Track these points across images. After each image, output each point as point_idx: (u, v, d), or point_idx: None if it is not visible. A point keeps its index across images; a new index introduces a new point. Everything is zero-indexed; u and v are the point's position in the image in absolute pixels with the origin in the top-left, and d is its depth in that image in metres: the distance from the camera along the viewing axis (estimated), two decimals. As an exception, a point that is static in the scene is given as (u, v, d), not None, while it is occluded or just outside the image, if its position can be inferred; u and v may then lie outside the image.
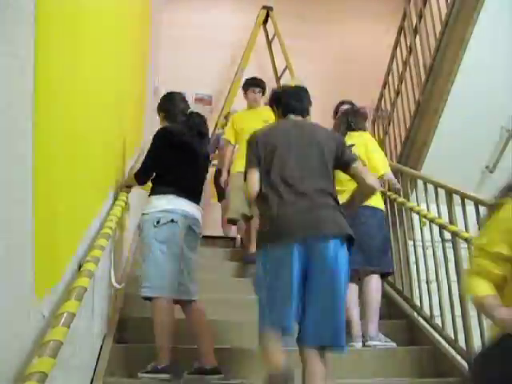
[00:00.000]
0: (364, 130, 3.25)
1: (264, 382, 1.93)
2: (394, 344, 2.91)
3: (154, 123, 5.57)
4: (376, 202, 2.93)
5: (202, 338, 2.44)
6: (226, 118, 5.51)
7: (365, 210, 2.83)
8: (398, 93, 4.86)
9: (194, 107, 3.80)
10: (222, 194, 4.80)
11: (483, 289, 1.47)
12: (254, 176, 2.13)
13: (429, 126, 4.16)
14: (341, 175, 2.36)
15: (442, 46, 3.99)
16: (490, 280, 1.46)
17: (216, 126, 5.57)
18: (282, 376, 1.91)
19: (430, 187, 2.97)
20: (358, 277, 2.94)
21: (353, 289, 2.89)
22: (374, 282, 2.94)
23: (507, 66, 3.82)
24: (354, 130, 3.16)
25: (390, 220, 3.62)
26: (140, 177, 2.66)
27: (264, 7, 6.17)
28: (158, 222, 2.42)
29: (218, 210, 5.15)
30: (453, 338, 2.74)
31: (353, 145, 2.89)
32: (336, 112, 3.70)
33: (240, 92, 5.78)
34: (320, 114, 5.39)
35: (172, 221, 2.43)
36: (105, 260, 2.17)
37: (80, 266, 1.64)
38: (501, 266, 1.45)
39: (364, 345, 2.85)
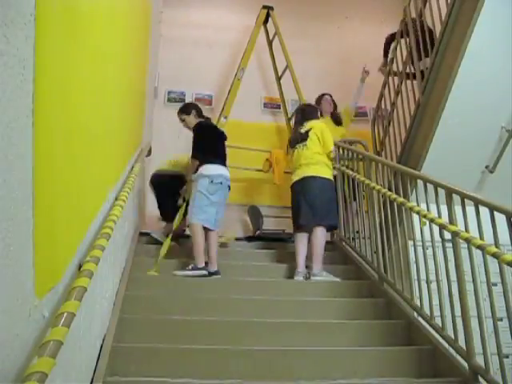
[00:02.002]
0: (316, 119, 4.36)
1: None
2: (336, 279, 3.73)
3: (154, 123, 5.60)
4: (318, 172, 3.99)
5: (210, 249, 3.70)
6: (226, 117, 5.51)
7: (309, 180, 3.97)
8: (398, 93, 4.86)
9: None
10: None
11: None
12: None
13: (429, 126, 4.16)
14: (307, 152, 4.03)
15: (442, 46, 4.00)
16: None
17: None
18: None
19: (430, 187, 2.97)
20: (307, 229, 3.90)
21: (303, 238, 3.91)
22: (319, 232, 3.85)
23: (507, 66, 3.82)
24: (307, 119, 4.26)
25: (389, 220, 3.62)
26: (195, 156, 3.93)
27: (264, 7, 6.16)
28: (211, 181, 3.78)
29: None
30: (453, 337, 2.74)
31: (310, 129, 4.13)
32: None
33: (240, 92, 5.79)
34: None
35: (220, 183, 3.82)
36: (105, 260, 2.18)
37: (80, 266, 1.64)
38: None
39: (309, 279, 3.71)
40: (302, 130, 4.17)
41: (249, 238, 4.82)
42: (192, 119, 4.20)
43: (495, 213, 2.44)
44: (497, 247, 2.35)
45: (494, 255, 2.30)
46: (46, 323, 1.33)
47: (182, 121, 4.26)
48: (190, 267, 3.61)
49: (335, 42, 6.77)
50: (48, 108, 1.30)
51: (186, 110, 4.27)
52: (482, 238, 2.49)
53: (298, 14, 6.64)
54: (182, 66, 6.19)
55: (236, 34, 6.47)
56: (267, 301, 3.24)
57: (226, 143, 4.19)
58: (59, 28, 1.40)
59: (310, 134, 4.10)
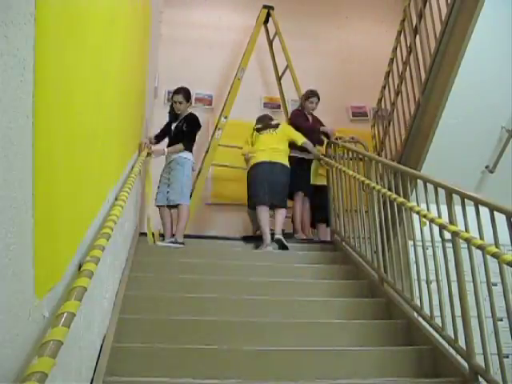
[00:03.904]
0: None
1: None
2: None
3: (154, 123, 5.60)
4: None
5: (176, 223, 4.32)
6: (226, 117, 5.51)
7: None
8: (398, 93, 4.86)
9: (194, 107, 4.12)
10: None
11: None
12: None
13: (429, 125, 4.16)
14: None
15: (442, 46, 4.00)
16: None
17: (216, 126, 5.57)
18: None
19: (430, 187, 2.97)
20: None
21: (266, 211, 4.59)
22: (281, 211, 4.63)
23: (507, 66, 3.82)
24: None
25: (389, 220, 3.62)
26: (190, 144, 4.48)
27: (265, 6, 6.17)
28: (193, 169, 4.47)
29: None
30: (453, 337, 2.74)
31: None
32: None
33: (240, 92, 5.79)
34: (320, 113, 5.42)
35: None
36: (105, 260, 2.18)
37: (80, 266, 1.64)
38: None
39: (285, 249, 4.39)
40: (273, 122, 4.97)
41: (245, 238, 4.82)
42: (186, 107, 4.52)
43: (495, 213, 2.44)
44: (497, 247, 2.35)
45: (494, 255, 2.30)
46: (46, 323, 1.33)
47: (179, 103, 4.45)
48: (167, 240, 4.24)
49: (335, 41, 6.78)
50: (48, 108, 1.30)
51: (189, 96, 4.51)
52: (482, 238, 2.49)
53: (299, 13, 6.64)
54: (182, 66, 6.19)
55: (236, 34, 6.48)
56: (267, 301, 3.24)
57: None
58: (59, 28, 1.40)
59: (279, 127, 4.88)
